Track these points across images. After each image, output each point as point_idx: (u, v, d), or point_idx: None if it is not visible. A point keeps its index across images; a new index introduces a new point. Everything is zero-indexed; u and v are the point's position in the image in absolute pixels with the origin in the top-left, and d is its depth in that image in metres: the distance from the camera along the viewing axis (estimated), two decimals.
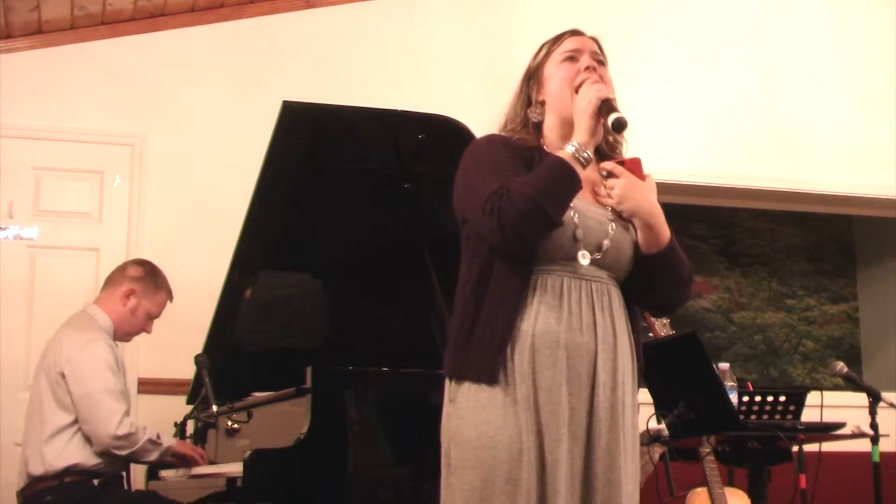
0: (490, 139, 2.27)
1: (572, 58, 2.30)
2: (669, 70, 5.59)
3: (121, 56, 4.93)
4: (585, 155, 2.13)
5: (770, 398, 3.71)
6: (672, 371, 3.39)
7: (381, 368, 3.15)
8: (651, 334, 3.63)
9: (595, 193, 2.25)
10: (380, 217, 3.63)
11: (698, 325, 6.12)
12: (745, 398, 3.67)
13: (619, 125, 2.15)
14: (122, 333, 3.85)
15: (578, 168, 2.11)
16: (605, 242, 2.17)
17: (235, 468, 3.04)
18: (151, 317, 3.88)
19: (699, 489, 3.70)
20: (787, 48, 5.78)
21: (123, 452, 3.58)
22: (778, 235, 6.61)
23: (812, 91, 5.76)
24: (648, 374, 3.39)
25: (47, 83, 4.84)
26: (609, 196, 2.21)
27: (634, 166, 2.24)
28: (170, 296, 3.91)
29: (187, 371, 3.80)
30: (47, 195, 4.77)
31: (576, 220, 2.14)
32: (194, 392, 3.77)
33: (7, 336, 4.59)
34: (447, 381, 2.17)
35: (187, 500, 3.52)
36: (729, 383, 3.52)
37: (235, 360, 3.78)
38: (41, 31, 4.84)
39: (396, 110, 3.42)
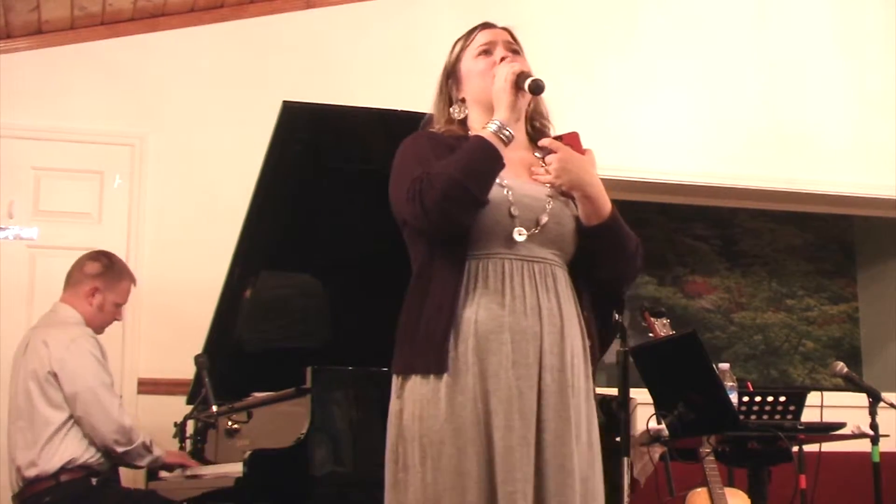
0: (415, 136, 2.28)
1: (487, 51, 2.31)
2: (669, 70, 5.59)
3: (121, 56, 4.93)
4: (507, 132, 2.12)
5: (770, 398, 3.71)
6: (672, 371, 3.39)
7: (381, 368, 3.15)
8: (651, 334, 3.63)
9: (534, 173, 2.23)
10: (380, 217, 3.61)
11: (698, 325, 6.11)
12: (745, 398, 3.67)
13: (537, 87, 2.13)
14: (95, 328, 3.86)
15: (501, 146, 2.10)
16: (543, 217, 2.15)
17: (235, 468, 3.04)
18: (119, 306, 3.90)
19: (699, 489, 3.70)
20: (788, 48, 5.78)
21: (120, 449, 3.59)
22: (778, 235, 6.61)
23: (812, 91, 5.76)
24: (648, 374, 3.41)
25: (47, 83, 4.84)
26: (547, 172, 2.19)
27: (573, 141, 2.22)
28: (133, 281, 3.95)
29: (187, 371, 3.81)
30: (47, 195, 4.77)
31: (510, 197, 2.13)
32: (194, 392, 3.78)
33: (7, 336, 4.58)
34: (394, 379, 2.16)
35: (187, 500, 3.52)
36: (729, 383, 3.51)
37: (235, 360, 3.78)
38: (41, 31, 4.84)
39: (396, 110, 3.41)
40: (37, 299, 4.65)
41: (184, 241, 4.77)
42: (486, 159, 2.08)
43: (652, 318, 3.65)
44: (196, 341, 3.74)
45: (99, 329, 3.89)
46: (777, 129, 5.66)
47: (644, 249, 2.28)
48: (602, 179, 5.72)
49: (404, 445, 2.10)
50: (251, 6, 5.08)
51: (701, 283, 6.42)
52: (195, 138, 4.92)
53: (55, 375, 3.60)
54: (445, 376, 2.05)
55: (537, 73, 2.18)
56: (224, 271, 3.61)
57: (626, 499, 3.02)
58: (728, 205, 6.09)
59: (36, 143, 4.77)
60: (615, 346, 3.29)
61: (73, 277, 3.87)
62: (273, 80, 4.87)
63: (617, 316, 3.24)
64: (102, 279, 3.84)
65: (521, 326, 2.08)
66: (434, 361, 2.06)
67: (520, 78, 2.15)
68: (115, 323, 3.99)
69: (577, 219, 2.20)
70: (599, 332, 3.65)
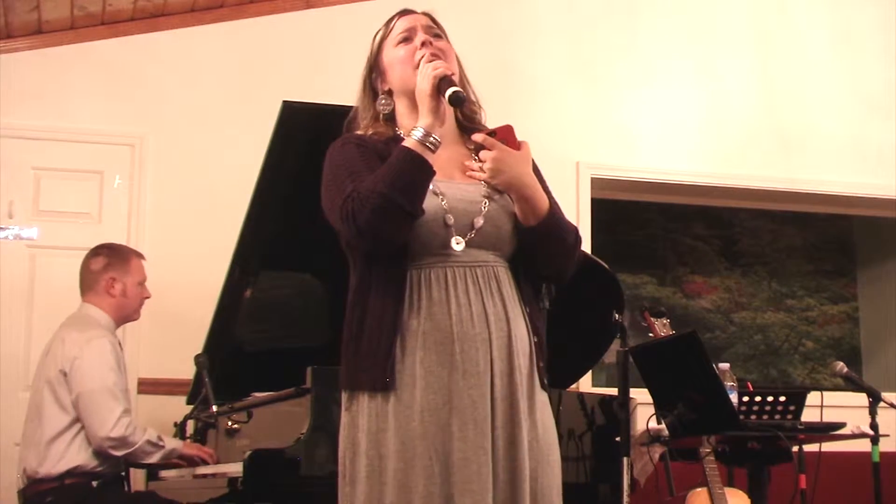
0: (343, 141, 2.19)
1: (407, 38, 2.26)
2: (669, 70, 5.59)
3: (121, 56, 4.93)
4: (432, 139, 2.04)
5: (770, 398, 3.71)
6: (672, 371, 3.39)
7: None
8: (651, 334, 3.63)
9: (467, 169, 2.16)
10: None
11: (698, 325, 6.12)
12: (745, 398, 3.68)
13: (457, 100, 2.06)
14: (128, 315, 3.90)
15: (428, 154, 2.03)
16: (478, 220, 2.09)
17: (235, 468, 3.04)
18: (142, 283, 3.92)
19: (699, 489, 3.70)
20: (787, 48, 5.79)
21: (119, 453, 3.59)
22: (778, 235, 6.61)
23: (812, 91, 5.76)
24: (648, 374, 3.41)
25: (47, 83, 4.84)
26: (481, 170, 2.12)
27: (507, 135, 2.12)
28: (140, 256, 3.97)
29: (187, 371, 3.81)
30: (47, 195, 4.77)
31: (444, 205, 2.07)
32: (194, 392, 3.78)
33: (7, 336, 4.60)
34: (342, 393, 2.13)
35: (187, 500, 3.52)
36: (729, 383, 3.52)
37: (235, 360, 3.78)
38: (41, 31, 4.84)
39: None
40: (37, 299, 4.66)
41: (184, 241, 4.77)
42: (414, 171, 2.01)
43: (652, 318, 3.65)
44: (196, 341, 3.74)
45: (133, 314, 3.92)
46: (777, 129, 5.67)
47: (581, 241, 2.23)
48: (602, 179, 5.75)
49: (352, 459, 2.08)
50: (251, 6, 5.08)
51: (701, 283, 6.42)
52: (195, 138, 4.92)
53: (65, 375, 3.61)
54: (394, 390, 2.02)
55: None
56: (224, 271, 3.61)
57: (626, 499, 3.02)
58: (728, 205, 6.09)
59: (36, 143, 4.77)
60: (615, 345, 3.29)
61: (86, 280, 3.88)
62: (273, 80, 4.87)
63: (617, 316, 3.24)
64: (113, 268, 3.85)
65: (469, 335, 2.04)
66: (379, 379, 2.03)
67: (442, 84, 2.08)
68: None
69: (515, 216, 2.14)
70: (599, 332, 3.66)
